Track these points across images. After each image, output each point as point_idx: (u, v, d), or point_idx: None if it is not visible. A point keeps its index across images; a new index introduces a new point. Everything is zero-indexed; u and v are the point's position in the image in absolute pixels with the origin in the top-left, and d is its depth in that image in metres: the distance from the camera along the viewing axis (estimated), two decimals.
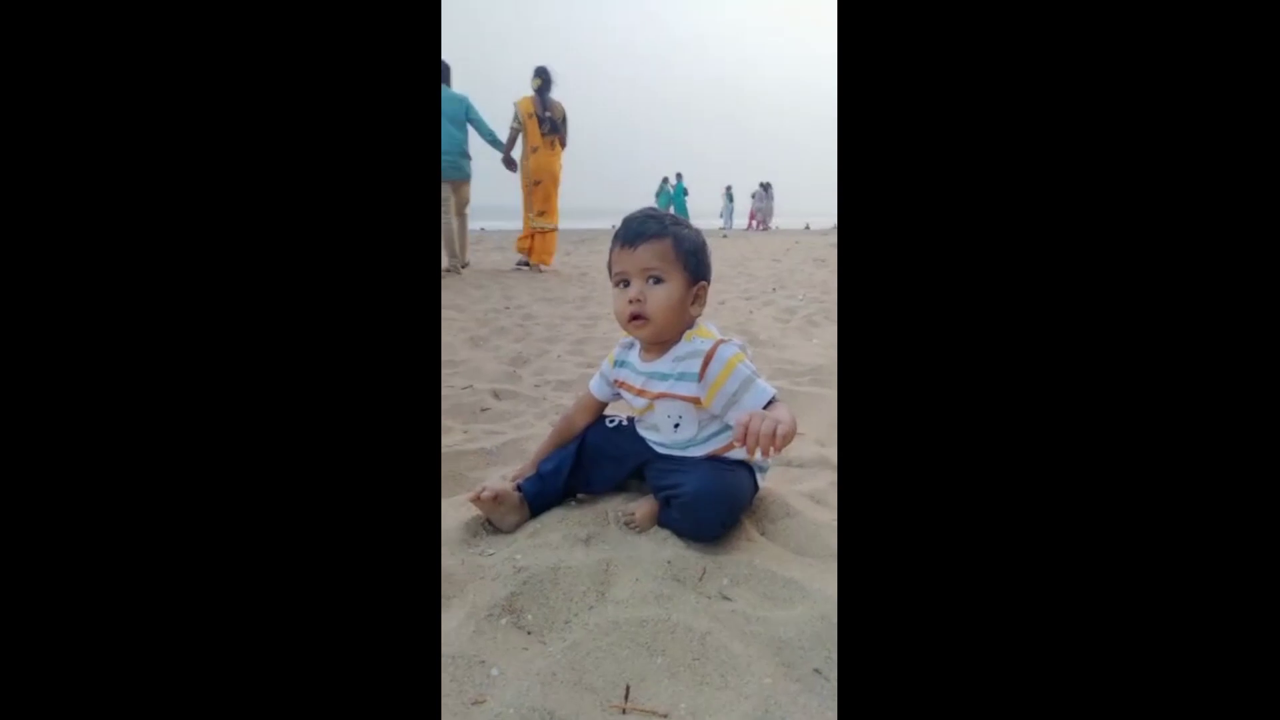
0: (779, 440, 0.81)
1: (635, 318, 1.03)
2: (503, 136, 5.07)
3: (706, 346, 1.03)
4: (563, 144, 5.22)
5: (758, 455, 1.11)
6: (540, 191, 5.20)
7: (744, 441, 0.83)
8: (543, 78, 5.01)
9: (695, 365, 1.03)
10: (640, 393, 1.11)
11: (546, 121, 5.03)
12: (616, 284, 1.06)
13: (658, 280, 1.03)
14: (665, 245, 1.02)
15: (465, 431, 1.62)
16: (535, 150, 5.11)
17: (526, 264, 5.52)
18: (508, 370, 2.20)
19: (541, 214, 5.28)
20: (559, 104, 5.09)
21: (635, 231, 1.03)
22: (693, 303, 1.07)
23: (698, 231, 1.09)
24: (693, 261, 1.05)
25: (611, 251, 1.07)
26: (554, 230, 5.39)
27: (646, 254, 1.02)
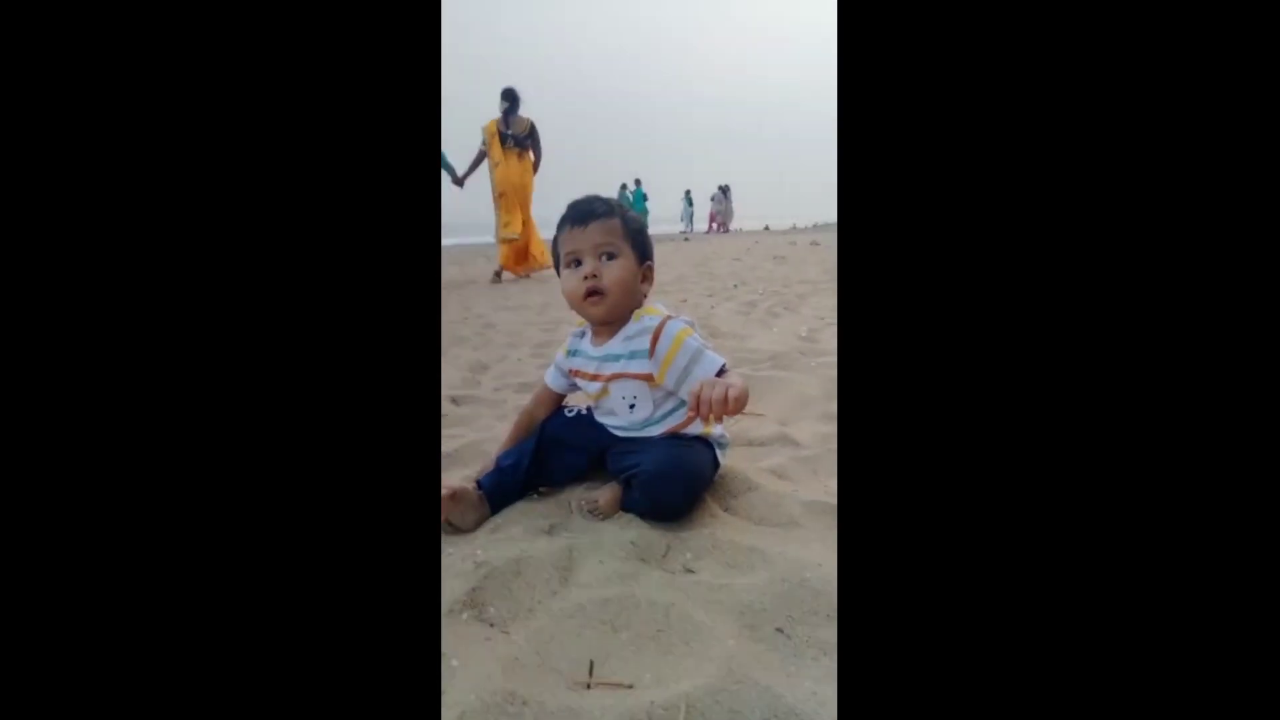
0: (731, 404, 0.81)
1: (592, 293, 1.03)
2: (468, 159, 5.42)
3: (655, 323, 1.04)
4: (536, 156, 5.48)
5: (716, 429, 1.11)
6: (504, 203, 5.40)
7: (697, 410, 0.82)
8: (509, 100, 5.27)
9: (645, 342, 1.03)
10: (595, 377, 1.10)
11: (510, 138, 5.30)
12: (567, 265, 1.06)
13: (611, 256, 1.04)
14: (615, 223, 1.05)
15: None
16: (498, 165, 5.35)
17: (527, 274, 5.72)
18: (466, 377, 2.17)
19: (506, 225, 5.44)
20: (524, 119, 5.34)
21: (585, 211, 1.05)
22: (642, 281, 1.08)
23: (638, 216, 1.11)
24: (640, 240, 1.08)
25: (559, 235, 1.08)
26: (514, 240, 5.49)
27: (598, 231, 1.03)
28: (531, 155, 5.45)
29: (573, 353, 1.15)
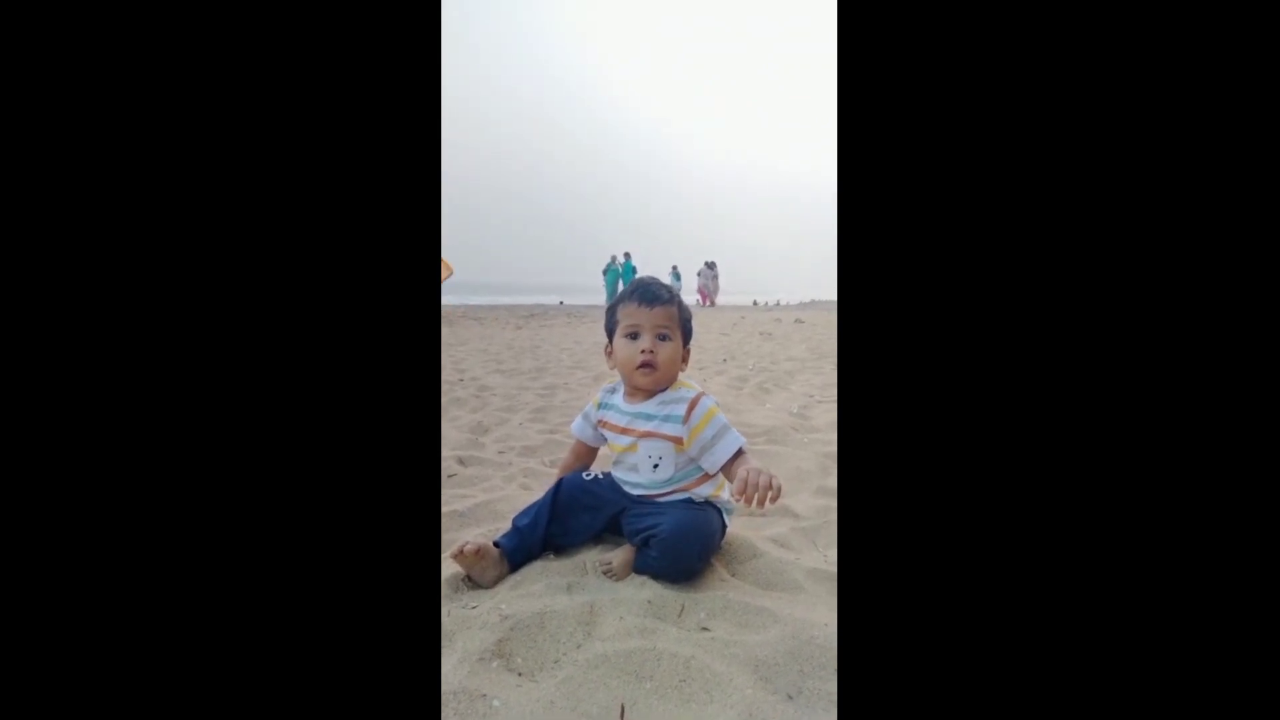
0: (775, 493, 0.93)
1: (645, 365, 1.17)
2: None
3: (691, 395, 1.18)
4: None
5: (728, 497, 1.21)
6: None
7: (742, 494, 0.93)
8: None
9: (681, 409, 1.16)
10: (625, 431, 1.21)
11: None
12: (625, 334, 1.20)
13: (665, 338, 1.18)
14: (673, 310, 1.21)
15: None
16: None
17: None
18: (470, 438, 2.24)
19: None
20: None
21: (653, 295, 1.21)
22: (681, 361, 1.23)
23: (688, 307, 1.28)
24: (687, 327, 1.25)
25: (622, 308, 1.22)
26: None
27: (660, 315, 1.19)
28: None
29: (604, 405, 1.27)
